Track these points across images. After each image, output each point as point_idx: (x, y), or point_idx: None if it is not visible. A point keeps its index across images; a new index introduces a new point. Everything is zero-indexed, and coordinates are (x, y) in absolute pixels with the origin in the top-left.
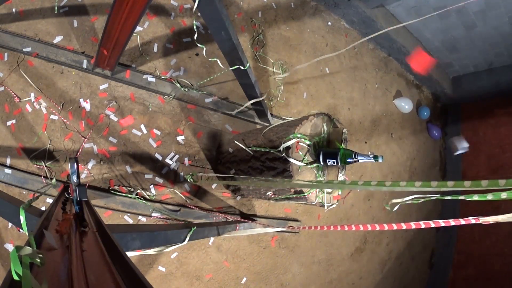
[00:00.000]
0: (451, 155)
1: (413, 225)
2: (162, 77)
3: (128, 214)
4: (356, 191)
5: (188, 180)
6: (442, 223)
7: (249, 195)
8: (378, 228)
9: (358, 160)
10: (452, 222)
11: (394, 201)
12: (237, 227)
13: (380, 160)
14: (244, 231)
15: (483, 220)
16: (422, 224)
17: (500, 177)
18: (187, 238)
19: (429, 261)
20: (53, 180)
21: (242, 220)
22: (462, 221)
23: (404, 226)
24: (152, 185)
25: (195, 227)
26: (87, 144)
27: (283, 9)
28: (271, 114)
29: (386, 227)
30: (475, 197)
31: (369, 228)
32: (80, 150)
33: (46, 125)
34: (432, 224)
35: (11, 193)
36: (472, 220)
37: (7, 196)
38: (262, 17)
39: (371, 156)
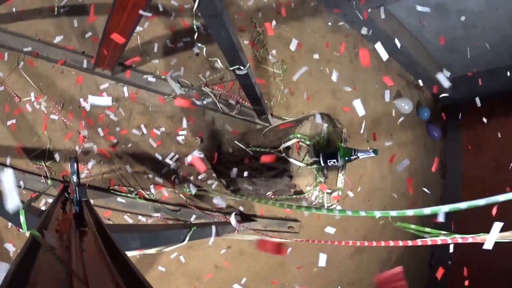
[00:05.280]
0: (451, 156)
1: (409, 242)
2: (162, 77)
3: (128, 214)
4: (356, 191)
5: (187, 192)
6: (439, 241)
7: (249, 195)
8: (374, 244)
9: (358, 157)
10: (449, 240)
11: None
12: (237, 228)
13: (378, 153)
14: (242, 236)
15: (480, 238)
16: (419, 242)
17: (500, 177)
18: (187, 238)
19: (429, 261)
20: (49, 181)
21: (224, 220)
22: (459, 239)
23: (400, 243)
24: (152, 185)
25: (195, 227)
26: (87, 144)
27: (283, 9)
28: (271, 114)
29: (382, 243)
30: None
31: (366, 244)
32: (80, 150)
33: (46, 125)
34: (429, 242)
35: None
36: (469, 239)
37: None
38: (262, 17)
39: (371, 151)
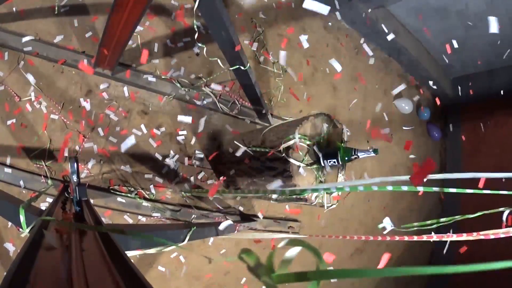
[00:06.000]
0: (451, 156)
1: (415, 237)
2: (163, 77)
3: (128, 214)
4: (356, 191)
5: (184, 195)
6: (445, 236)
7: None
8: (372, 238)
9: (358, 156)
10: (454, 236)
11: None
12: (237, 228)
13: (379, 153)
14: (242, 236)
15: (484, 233)
16: (425, 237)
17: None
18: (187, 238)
19: (429, 261)
20: (49, 181)
21: (219, 219)
22: (464, 235)
23: (406, 238)
24: (152, 185)
25: (195, 227)
26: (87, 143)
27: (284, 9)
28: (271, 114)
29: (387, 237)
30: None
31: (371, 238)
32: (80, 149)
33: (46, 124)
34: (434, 236)
35: (11, 192)
36: (473, 233)
37: (6, 196)
38: (262, 17)
39: (371, 150)
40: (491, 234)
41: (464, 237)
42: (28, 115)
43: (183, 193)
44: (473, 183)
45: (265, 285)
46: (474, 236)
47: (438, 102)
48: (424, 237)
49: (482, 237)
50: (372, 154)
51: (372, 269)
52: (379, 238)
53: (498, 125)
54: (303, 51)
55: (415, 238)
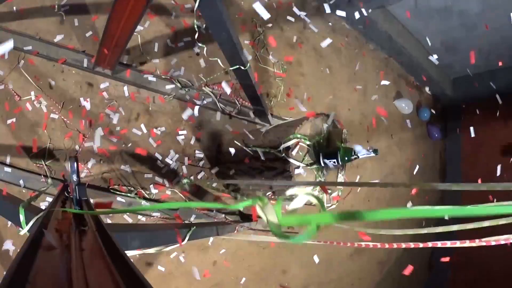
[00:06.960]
0: (451, 156)
1: (412, 245)
2: (163, 76)
3: (128, 213)
4: (356, 191)
5: (185, 184)
6: (448, 243)
7: (249, 195)
8: (374, 245)
9: (358, 157)
10: (457, 243)
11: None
12: (237, 228)
13: (379, 153)
14: (242, 236)
15: (485, 240)
16: (430, 244)
17: (500, 178)
18: (187, 238)
19: (428, 262)
20: (49, 180)
21: (224, 220)
22: (467, 242)
23: (412, 245)
24: (152, 185)
25: (194, 227)
26: (87, 143)
27: (284, 9)
28: (271, 114)
29: (386, 245)
30: None
31: (371, 245)
32: (80, 149)
33: (46, 124)
34: (439, 244)
35: (10, 191)
36: (476, 240)
37: (6, 195)
38: (262, 17)
39: (371, 150)
40: (493, 241)
41: (467, 243)
42: (28, 114)
43: (186, 182)
44: (473, 181)
45: (272, 231)
46: (476, 243)
47: (438, 102)
48: (429, 244)
49: (484, 244)
50: (372, 154)
51: (371, 211)
52: (378, 245)
53: (498, 126)
54: (303, 51)
55: (421, 245)
